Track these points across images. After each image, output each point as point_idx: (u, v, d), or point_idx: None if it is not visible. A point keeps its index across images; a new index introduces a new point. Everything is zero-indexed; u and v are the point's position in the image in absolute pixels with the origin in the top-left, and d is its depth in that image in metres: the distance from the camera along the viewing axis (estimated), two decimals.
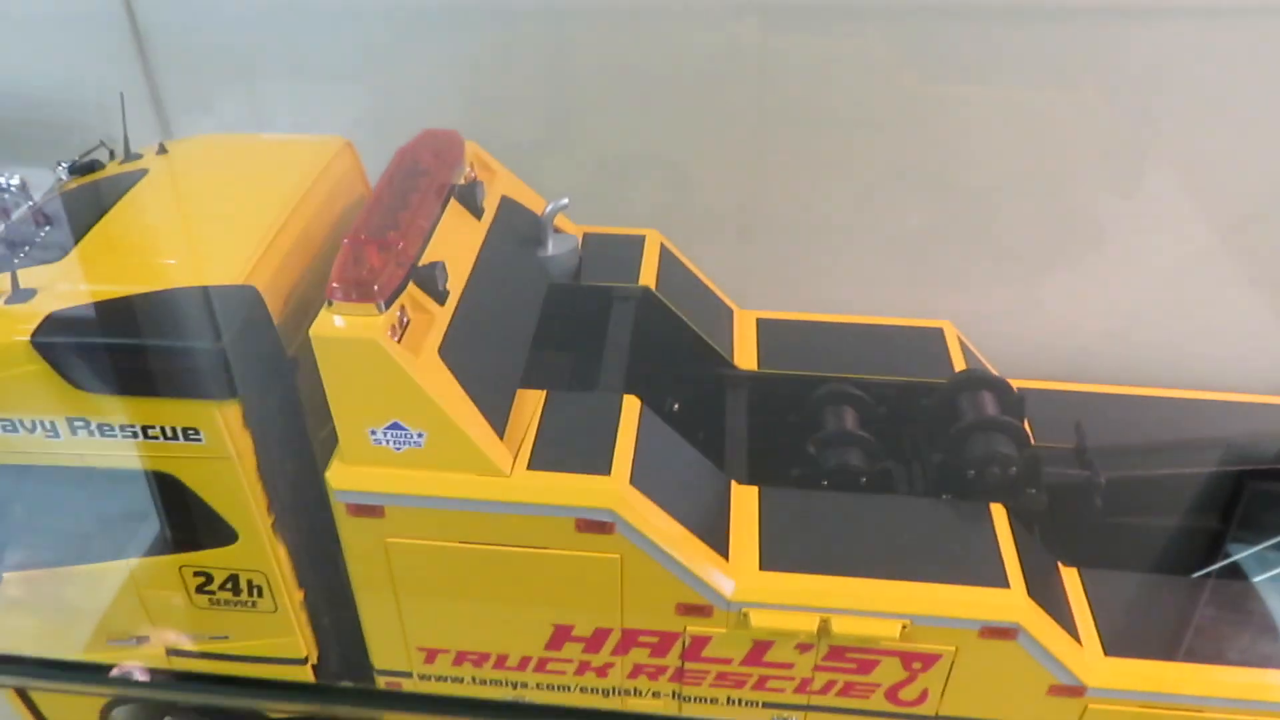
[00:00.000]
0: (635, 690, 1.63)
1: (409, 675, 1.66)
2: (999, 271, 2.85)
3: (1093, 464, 1.72)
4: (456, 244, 1.60)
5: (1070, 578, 1.64)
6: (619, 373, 1.62)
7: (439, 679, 1.65)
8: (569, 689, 1.64)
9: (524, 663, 1.61)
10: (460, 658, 1.62)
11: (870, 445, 1.71)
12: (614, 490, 1.40)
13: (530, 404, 1.52)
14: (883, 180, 2.72)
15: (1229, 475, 1.74)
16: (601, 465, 1.42)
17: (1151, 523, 1.78)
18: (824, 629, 1.48)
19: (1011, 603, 1.46)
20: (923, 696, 1.57)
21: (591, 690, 1.64)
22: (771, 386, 1.86)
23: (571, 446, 1.46)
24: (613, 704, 1.65)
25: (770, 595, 1.48)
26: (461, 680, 1.65)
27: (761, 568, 1.50)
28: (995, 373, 2.04)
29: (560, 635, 1.57)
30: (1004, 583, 1.48)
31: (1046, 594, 1.56)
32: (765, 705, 1.62)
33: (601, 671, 1.61)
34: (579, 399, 1.55)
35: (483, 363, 1.51)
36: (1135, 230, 2.77)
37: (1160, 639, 1.56)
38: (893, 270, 2.87)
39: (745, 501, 1.60)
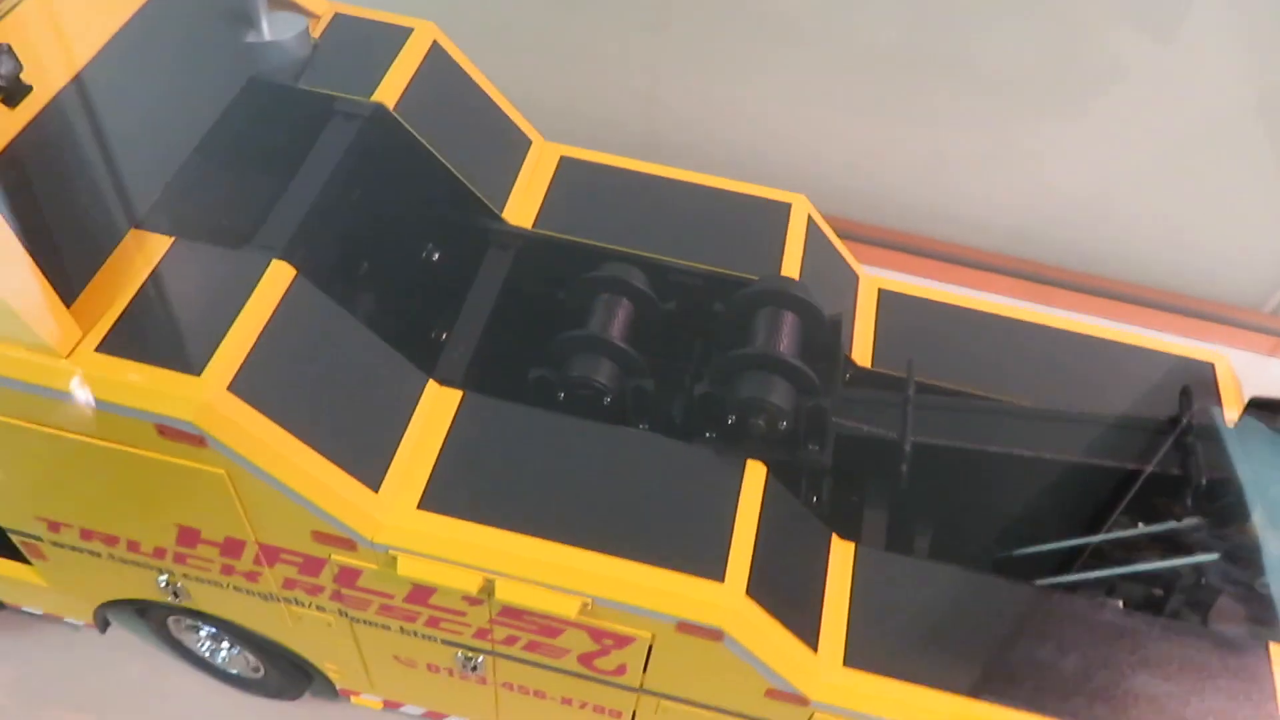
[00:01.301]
0: (297, 600, 1.37)
1: (39, 539, 1.40)
2: (967, 111, 2.33)
3: (906, 424, 1.35)
4: (75, 15, 1.17)
5: (843, 556, 1.32)
6: (291, 222, 1.22)
7: (73, 549, 1.39)
8: (221, 585, 1.38)
9: (160, 552, 1.34)
10: (87, 534, 1.35)
11: (628, 359, 1.34)
12: (199, 397, 1.05)
13: (145, 254, 1.15)
14: None
15: (1077, 468, 1.37)
16: (195, 359, 1.07)
17: (969, 504, 1.44)
18: (487, 590, 1.18)
19: (717, 602, 1.15)
20: (621, 669, 1.30)
21: (248, 592, 1.38)
22: (543, 253, 1.47)
23: (171, 326, 1.10)
24: (277, 609, 1.40)
25: (423, 542, 1.17)
26: (99, 555, 1.39)
27: (421, 505, 1.18)
28: (854, 267, 1.64)
29: (189, 535, 1.28)
30: (718, 574, 1.16)
31: (787, 582, 1.24)
32: (445, 642, 1.36)
33: (251, 576, 1.34)
34: (214, 256, 1.17)
35: (76, 192, 1.12)
36: (1149, 83, 2.23)
37: (922, 653, 1.26)
38: (838, 89, 2.34)
39: (439, 410, 1.25)
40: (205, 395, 1.05)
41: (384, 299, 1.40)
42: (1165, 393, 1.49)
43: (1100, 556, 1.41)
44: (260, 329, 1.11)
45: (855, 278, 1.63)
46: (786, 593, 1.23)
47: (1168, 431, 1.35)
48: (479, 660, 1.37)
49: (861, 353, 1.55)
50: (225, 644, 1.62)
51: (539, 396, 1.34)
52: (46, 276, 1.05)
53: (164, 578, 1.41)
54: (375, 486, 1.17)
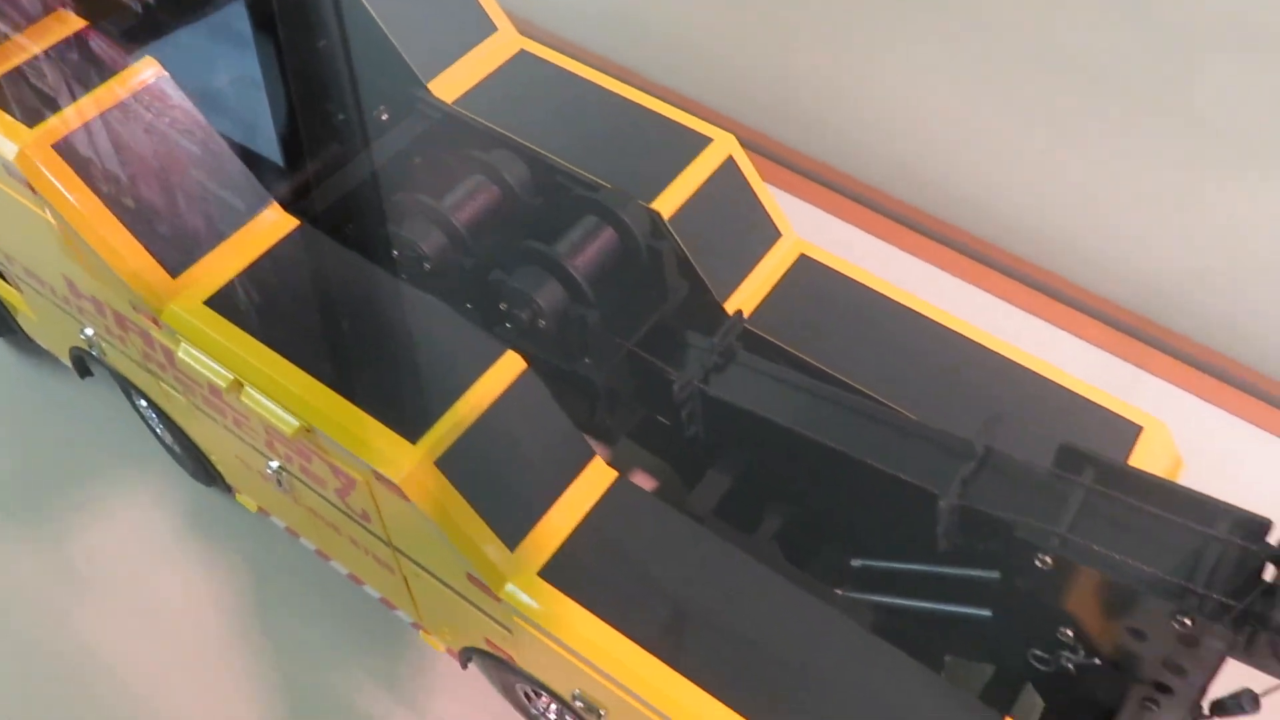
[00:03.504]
0: (156, 374, 1.54)
1: (6, 267, 1.68)
2: (1155, 142, 2.02)
3: (687, 363, 1.28)
4: None
5: (598, 480, 1.29)
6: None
7: (24, 282, 1.65)
8: (113, 345, 1.59)
9: (66, 300, 1.56)
10: (29, 272, 1.60)
11: (458, 236, 1.38)
12: (25, 144, 1.23)
13: None
14: None
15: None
16: (28, 116, 1.25)
17: (823, 497, 1.33)
18: (234, 389, 1.28)
19: (400, 459, 1.18)
20: (366, 516, 1.36)
21: (130, 358, 1.57)
22: (453, 130, 1.53)
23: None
24: (156, 382, 1.58)
25: (199, 335, 1.29)
26: (40, 294, 1.64)
27: (207, 302, 1.30)
28: (778, 225, 1.56)
29: (72, 287, 1.49)
30: (414, 437, 1.19)
31: (503, 475, 1.24)
32: (251, 446, 1.48)
33: (122, 339, 1.53)
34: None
35: None
36: None
37: (626, 595, 1.22)
38: (997, 85, 2.10)
39: (267, 230, 1.36)
40: (29, 146, 1.23)
41: (295, 135, 1.53)
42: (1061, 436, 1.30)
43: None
44: (101, 110, 1.27)
45: (774, 234, 1.55)
46: (496, 484, 1.23)
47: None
48: (284, 476, 1.48)
49: (743, 307, 1.48)
50: (156, 416, 1.85)
51: (378, 249, 1.42)
52: None
53: (88, 330, 1.64)
54: (174, 273, 1.31)
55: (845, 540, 1.37)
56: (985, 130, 2.12)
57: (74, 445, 1.97)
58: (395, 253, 1.40)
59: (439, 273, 1.38)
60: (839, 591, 1.35)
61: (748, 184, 1.53)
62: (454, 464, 1.20)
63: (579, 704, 1.29)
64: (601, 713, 1.27)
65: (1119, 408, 1.40)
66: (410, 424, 1.20)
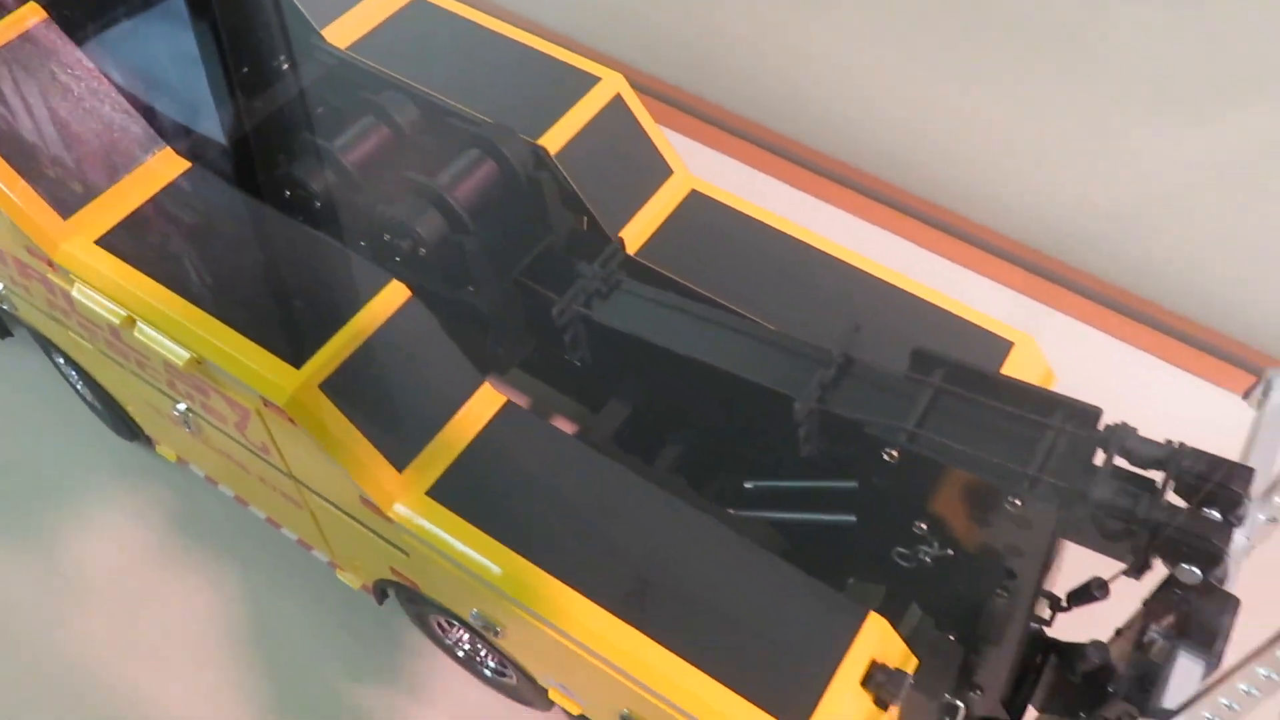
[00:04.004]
0: (61, 321, 1.56)
1: None
2: (1065, 92, 2.07)
3: (570, 293, 1.32)
4: None
5: (487, 404, 1.33)
6: None
7: None
8: (16, 294, 1.61)
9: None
10: None
11: (348, 175, 1.41)
12: None
13: None
14: None
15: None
16: None
17: (712, 422, 1.38)
18: (127, 325, 1.31)
19: (285, 384, 1.21)
20: (265, 449, 1.40)
21: (35, 307, 1.60)
22: (345, 74, 1.56)
23: None
24: (64, 332, 1.61)
25: (91, 273, 1.32)
26: None
27: (98, 241, 1.33)
28: (669, 162, 1.60)
29: None
30: (297, 361, 1.23)
31: (390, 399, 1.28)
32: (156, 388, 1.52)
33: (25, 288, 1.55)
34: None
35: None
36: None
37: (513, 511, 1.26)
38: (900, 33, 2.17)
39: (161, 172, 1.39)
40: None
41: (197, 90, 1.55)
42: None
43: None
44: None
45: (666, 171, 1.59)
46: (383, 407, 1.27)
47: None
48: (190, 417, 1.51)
49: (634, 240, 1.53)
50: (74, 372, 1.88)
51: (270, 189, 1.45)
52: None
53: None
54: (65, 215, 1.33)
55: (736, 462, 1.42)
56: (893, 75, 2.17)
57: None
58: (287, 193, 1.43)
59: (330, 211, 1.41)
60: (731, 511, 1.40)
61: (637, 122, 1.57)
62: (339, 388, 1.24)
63: (478, 623, 1.34)
64: (498, 629, 1.31)
65: (991, 325, 1.46)
66: (295, 351, 1.24)
